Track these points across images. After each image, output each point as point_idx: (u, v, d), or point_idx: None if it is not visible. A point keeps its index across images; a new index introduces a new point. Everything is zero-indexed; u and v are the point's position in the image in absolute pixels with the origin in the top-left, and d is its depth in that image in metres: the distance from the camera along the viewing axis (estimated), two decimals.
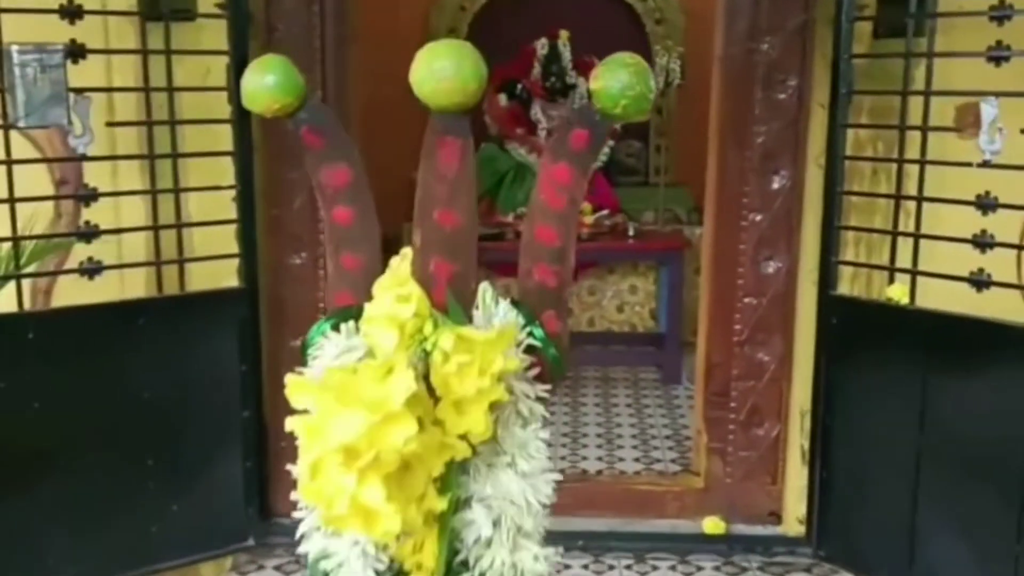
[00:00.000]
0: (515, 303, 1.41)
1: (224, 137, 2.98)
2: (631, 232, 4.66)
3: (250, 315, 3.04)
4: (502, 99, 5.63)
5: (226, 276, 3.03)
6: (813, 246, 3.10)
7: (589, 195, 5.63)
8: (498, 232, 4.62)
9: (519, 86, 5.57)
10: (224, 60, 2.92)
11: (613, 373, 4.76)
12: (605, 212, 5.35)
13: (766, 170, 3.12)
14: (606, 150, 5.55)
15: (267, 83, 1.39)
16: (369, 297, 1.33)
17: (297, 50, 3.04)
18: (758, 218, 3.15)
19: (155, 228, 2.89)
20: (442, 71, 1.30)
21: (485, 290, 1.40)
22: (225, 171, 3.00)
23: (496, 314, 1.39)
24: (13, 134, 2.65)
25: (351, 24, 3.32)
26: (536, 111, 5.54)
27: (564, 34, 5.58)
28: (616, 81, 1.38)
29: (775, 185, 3.14)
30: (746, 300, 3.18)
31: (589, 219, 5.25)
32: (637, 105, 1.37)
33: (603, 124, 1.41)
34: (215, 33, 2.96)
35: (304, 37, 3.08)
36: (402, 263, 1.38)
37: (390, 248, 1.45)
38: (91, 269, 2.78)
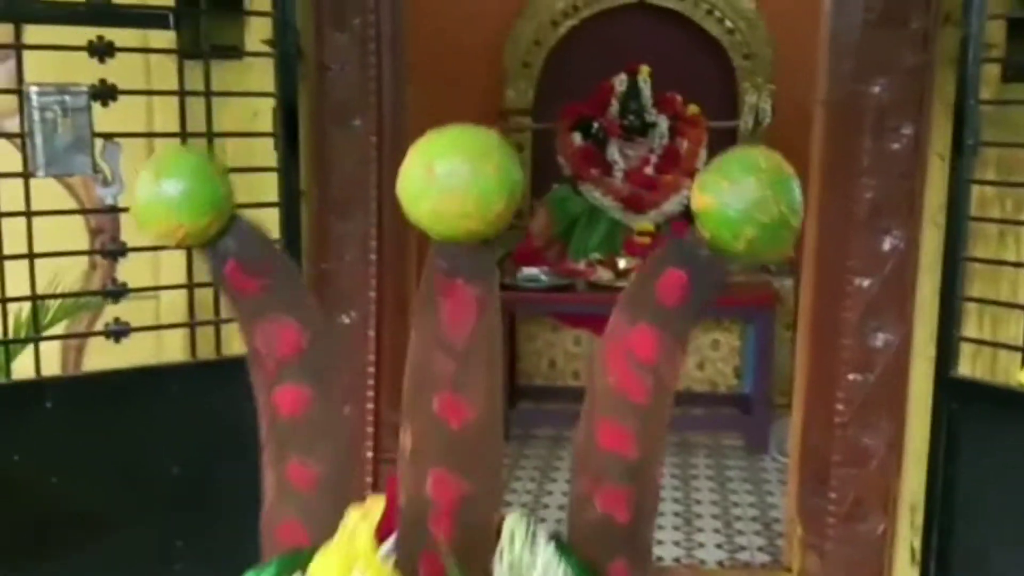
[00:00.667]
0: (562, 547, 0.89)
1: (270, 185, 2.72)
2: None
3: None
4: (576, 138, 5.31)
5: None
6: (929, 318, 2.70)
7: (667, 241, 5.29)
8: (568, 283, 4.28)
9: (595, 125, 5.25)
10: (271, 103, 2.66)
11: (692, 438, 4.38)
12: None
13: (875, 229, 2.74)
14: (688, 192, 5.19)
15: (167, 194, 0.91)
16: (327, 533, 0.86)
17: (351, 92, 2.78)
18: (865, 283, 2.77)
19: (190, 286, 2.63)
20: (450, 179, 0.87)
21: (515, 525, 0.89)
22: (269, 222, 2.74)
23: (532, 565, 0.86)
24: (49, 180, 2.43)
25: (408, 62, 3.03)
26: (612, 151, 5.21)
27: (644, 69, 5.25)
28: (738, 198, 0.88)
29: (885, 246, 2.75)
30: (850, 377, 2.79)
31: None
32: (773, 238, 0.88)
33: (713, 266, 0.92)
34: (264, 73, 2.72)
35: (359, 77, 2.80)
36: (360, 524, 0.85)
37: None
38: (117, 331, 2.53)
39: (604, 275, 4.82)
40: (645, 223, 5.10)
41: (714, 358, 4.87)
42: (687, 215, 5.38)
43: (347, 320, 2.93)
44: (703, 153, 5.24)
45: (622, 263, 4.90)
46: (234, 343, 2.74)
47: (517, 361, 4.92)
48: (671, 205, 5.14)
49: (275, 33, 2.62)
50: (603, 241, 5.12)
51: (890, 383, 2.79)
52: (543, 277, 4.38)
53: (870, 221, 2.74)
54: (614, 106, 5.25)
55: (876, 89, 2.69)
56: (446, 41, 6.58)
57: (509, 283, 4.26)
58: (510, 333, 4.60)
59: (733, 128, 5.89)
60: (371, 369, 2.89)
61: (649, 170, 5.18)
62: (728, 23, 6.04)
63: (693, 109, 5.29)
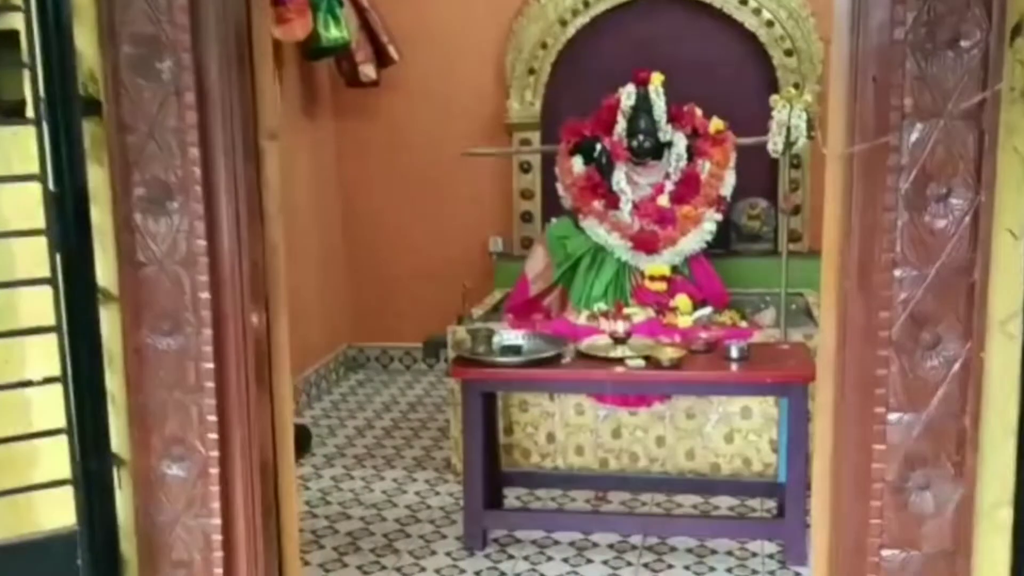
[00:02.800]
0: None
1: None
2: (734, 353, 3.40)
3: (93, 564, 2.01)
4: (576, 163, 4.46)
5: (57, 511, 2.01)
6: (1001, 466, 1.84)
7: (687, 285, 4.42)
8: (554, 355, 3.45)
9: (598, 147, 4.39)
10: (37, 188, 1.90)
11: (714, 543, 3.52)
12: (707, 311, 4.10)
13: (915, 343, 1.86)
14: (712, 224, 4.30)
15: None
16: None
17: (165, 168, 2.00)
18: (905, 418, 1.89)
19: None
20: None
21: None
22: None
23: None
24: None
25: (270, 119, 2.24)
26: (619, 178, 4.34)
27: (657, 78, 4.36)
28: None
29: (931, 363, 1.87)
30: (885, 554, 1.92)
31: (688, 319, 4.02)
32: None
33: None
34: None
35: (176, 147, 2.01)
36: None
37: None
38: None
39: (607, 327, 3.97)
40: (658, 265, 4.23)
41: (745, 428, 3.99)
42: (708, 253, 4.57)
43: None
44: (730, 178, 4.35)
45: (627, 316, 4.04)
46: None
47: (505, 435, 4.11)
48: (690, 242, 4.25)
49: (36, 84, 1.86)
50: (609, 287, 4.27)
51: (942, 564, 1.91)
52: (523, 343, 3.56)
53: (908, 331, 1.86)
54: (620, 124, 4.38)
55: (914, 137, 1.80)
56: (443, 48, 5.83)
57: (483, 355, 3.45)
58: (492, 403, 3.79)
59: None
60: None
61: (663, 200, 4.30)
62: (766, 14, 5.12)
63: (717, 124, 4.39)
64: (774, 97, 3.84)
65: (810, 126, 3.80)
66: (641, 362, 3.39)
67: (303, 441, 4.54)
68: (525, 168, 5.43)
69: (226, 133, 2.05)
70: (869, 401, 1.91)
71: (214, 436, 2.09)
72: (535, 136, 5.37)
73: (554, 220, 4.57)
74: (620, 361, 3.43)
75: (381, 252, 5.75)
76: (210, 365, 2.07)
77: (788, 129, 3.77)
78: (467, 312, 4.20)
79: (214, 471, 2.10)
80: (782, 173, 5.21)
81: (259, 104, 2.22)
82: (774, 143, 3.80)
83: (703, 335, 3.73)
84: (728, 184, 4.33)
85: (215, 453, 2.10)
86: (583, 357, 3.52)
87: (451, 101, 5.57)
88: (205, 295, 2.05)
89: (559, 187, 4.52)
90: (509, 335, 3.68)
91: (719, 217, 4.31)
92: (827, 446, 2.12)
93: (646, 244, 4.20)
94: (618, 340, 3.55)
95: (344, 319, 5.81)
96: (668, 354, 3.40)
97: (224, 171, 2.06)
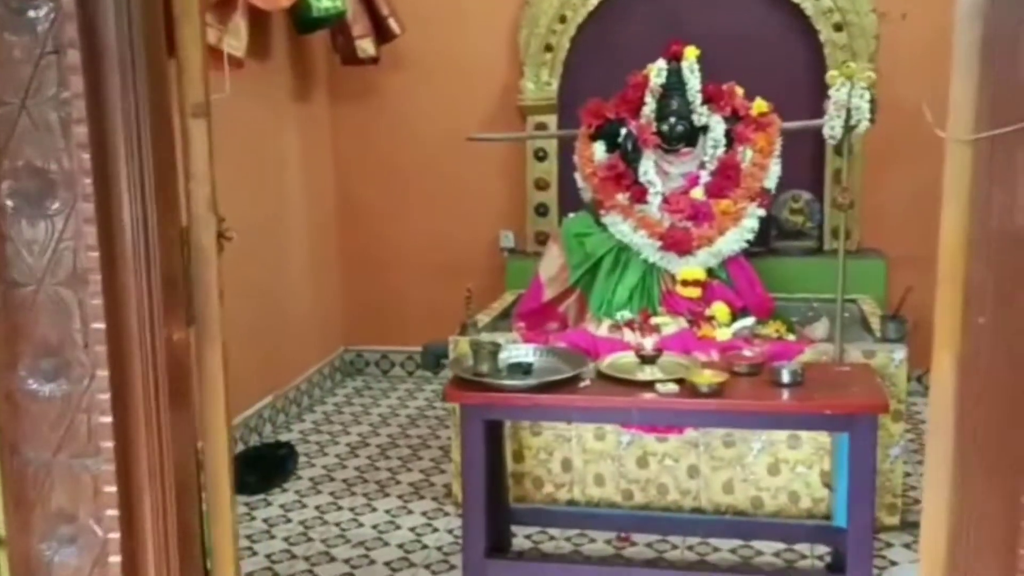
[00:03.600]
0: None
1: None
2: (786, 377, 2.85)
3: None
4: (598, 150, 3.90)
5: None
6: None
7: (724, 291, 3.86)
8: (570, 376, 2.91)
9: (623, 131, 3.83)
10: None
11: None
12: (749, 321, 3.54)
13: None
14: (754, 221, 3.74)
15: None
16: None
17: (44, 154, 1.48)
18: None
19: None
20: None
21: None
22: None
23: None
24: None
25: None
26: (647, 168, 3.78)
27: (691, 53, 3.79)
28: None
29: None
30: None
31: (726, 332, 3.47)
32: None
33: None
34: None
35: (58, 125, 1.48)
36: None
37: None
38: None
39: (633, 340, 3.43)
40: (691, 268, 3.67)
41: (792, 459, 3.44)
42: (747, 253, 4.02)
43: None
44: (775, 167, 3.78)
45: (655, 327, 3.50)
46: None
47: (515, 462, 3.58)
48: (728, 242, 3.68)
49: None
50: (634, 293, 3.71)
51: None
52: (534, 359, 3.02)
53: None
54: (649, 105, 3.82)
55: None
56: (449, 21, 5.26)
57: (486, 376, 2.91)
58: (498, 428, 3.26)
59: (819, 131, 4.46)
60: None
61: (698, 193, 3.74)
62: None
63: (760, 105, 3.82)
64: (832, 73, 3.27)
65: (873, 107, 3.23)
66: (674, 387, 2.85)
67: (287, 462, 4.02)
68: (540, 156, 4.88)
69: (127, 106, 1.52)
70: (1012, 471, 1.37)
71: (113, 512, 1.57)
72: (552, 120, 4.83)
73: (571, 215, 4.01)
74: (649, 385, 2.88)
75: (381, 247, 5.22)
76: (107, 419, 1.54)
77: (848, 111, 3.21)
78: (471, 319, 3.66)
79: (114, 559, 1.58)
80: (829, 162, 4.67)
81: (183, 70, 1.69)
82: (831, 127, 3.23)
83: (745, 351, 3.17)
84: (773, 175, 3.76)
85: (115, 535, 1.57)
86: (605, 379, 2.98)
87: (459, 81, 5.02)
88: (99, 325, 1.52)
89: (578, 177, 3.97)
90: (517, 350, 3.15)
91: (762, 213, 3.74)
92: (941, 515, 1.57)
93: (678, 244, 3.64)
94: (646, 360, 3.01)
95: (340, 320, 5.29)
96: (706, 378, 2.85)
97: (125, 158, 1.53)
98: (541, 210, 4.92)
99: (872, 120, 3.23)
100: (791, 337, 3.53)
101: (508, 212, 5.03)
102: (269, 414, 4.48)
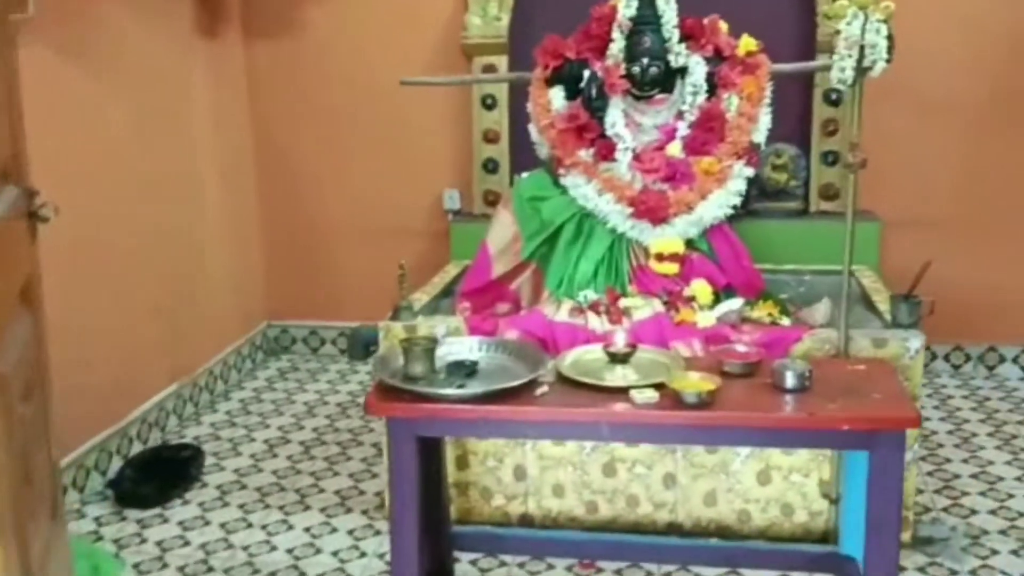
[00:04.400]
0: None
1: None
2: (790, 382, 2.29)
3: None
4: (556, 97, 3.28)
5: None
6: None
7: (706, 265, 3.29)
8: (524, 382, 2.32)
9: (586, 74, 3.21)
10: None
11: None
12: (736, 304, 2.98)
13: None
14: (741, 183, 3.16)
15: None
16: None
17: None
18: None
19: None
20: None
21: None
22: None
23: None
24: None
25: None
26: (615, 120, 3.17)
27: None
28: None
29: None
30: None
31: (710, 317, 2.91)
32: None
33: None
34: None
35: None
36: None
37: None
38: None
39: (598, 326, 2.87)
40: (668, 239, 3.09)
41: (786, 466, 2.91)
42: (728, 218, 3.32)
43: None
44: (764, 118, 3.19)
45: (625, 310, 2.93)
46: None
47: (459, 469, 3.01)
48: (712, 208, 3.10)
49: None
50: (600, 269, 3.13)
51: None
52: (480, 356, 2.44)
53: None
54: (617, 42, 3.20)
55: None
56: None
57: (419, 380, 2.32)
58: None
59: (807, 75, 3.93)
60: None
61: (675, 149, 3.14)
62: None
63: (748, 44, 3.22)
64: (840, 3, 2.68)
65: (891, 44, 2.65)
66: (653, 395, 2.27)
67: (191, 467, 3.41)
68: (489, 103, 4.25)
69: None
70: None
71: None
72: (502, 62, 4.19)
73: (525, 174, 3.40)
74: (623, 392, 2.31)
75: (308, 207, 4.57)
76: None
77: (861, 49, 2.62)
78: (406, 300, 3.06)
79: None
80: (817, 111, 4.09)
81: None
82: (840, 69, 2.64)
83: (736, 345, 2.61)
84: (763, 127, 3.18)
85: None
86: (567, 383, 2.39)
87: (394, 14, 4.36)
88: None
89: (532, 130, 3.35)
90: (459, 344, 2.56)
91: (751, 172, 3.16)
92: None
93: (652, 210, 3.05)
94: (617, 358, 2.43)
95: (262, 291, 4.65)
96: (693, 384, 2.27)
97: None
98: (490, 166, 4.30)
99: (889, 60, 2.65)
100: (785, 321, 2.97)
101: (453, 168, 4.41)
102: (174, 405, 3.85)
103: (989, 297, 4.19)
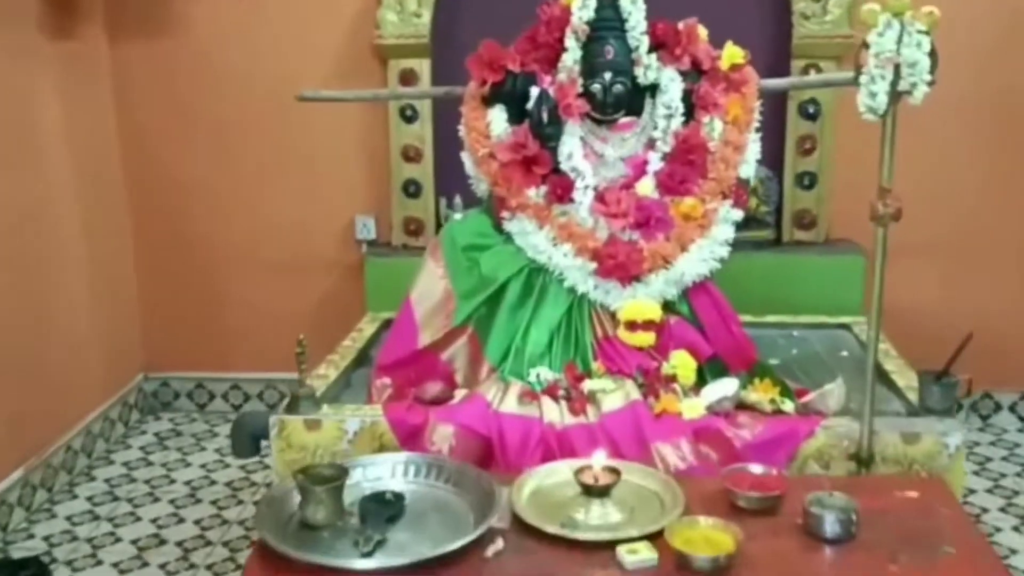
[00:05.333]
0: None
1: None
2: (829, 529, 1.67)
3: None
4: (497, 120, 2.61)
5: None
6: None
7: (687, 332, 2.64)
8: (470, 541, 1.67)
9: (533, 93, 2.54)
10: None
11: None
12: (730, 388, 2.35)
13: None
14: (728, 229, 2.54)
15: None
16: None
17: None
18: None
19: None
20: None
21: None
22: None
23: None
24: None
25: None
26: (571, 149, 2.51)
27: None
28: None
29: None
30: None
31: (697, 407, 2.29)
32: None
33: None
34: None
35: None
36: None
37: None
38: None
39: (555, 418, 2.23)
40: (641, 302, 2.45)
41: None
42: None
43: None
44: (753, 146, 2.58)
45: (591, 395, 2.30)
46: None
47: None
48: (694, 262, 2.47)
49: None
50: (556, 339, 2.47)
51: None
52: (407, 488, 1.78)
53: None
54: (572, 52, 2.54)
55: None
56: None
57: (318, 536, 1.66)
58: None
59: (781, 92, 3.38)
60: None
61: (647, 187, 2.50)
62: None
63: (733, 54, 2.59)
64: (868, 7, 2.07)
65: (934, 62, 2.06)
66: (650, 557, 1.64)
67: None
68: (408, 115, 3.56)
69: None
70: None
71: None
72: (423, 66, 3.51)
73: (458, 215, 2.74)
74: (607, 548, 1.67)
75: (192, 238, 3.81)
76: None
77: (897, 68, 2.02)
78: (305, 384, 2.37)
79: None
80: (791, 127, 3.50)
81: None
82: (870, 94, 2.04)
83: (750, 465, 1.99)
84: (751, 157, 2.57)
85: None
86: (527, 533, 1.75)
87: (292, 9, 3.63)
88: None
89: (466, 161, 2.68)
90: (378, 466, 1.90)
91: (739, 216, 2.54)
92: None
93: (621, 266, 2.41)
94: (593, 491, 1.79)
95: (137, 339, 3.88)
96: (706, 540, 1.65)
97: None
98: (411, 189, 3.61)
99: (932, 82, 2.06)
100: (788, 406, 2.36)
101: (366, 190, 3.71)
102: (20, 495, 3.09)
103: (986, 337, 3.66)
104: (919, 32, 2.03)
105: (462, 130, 2.65)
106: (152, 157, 3.74)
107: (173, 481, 3.38)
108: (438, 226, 3.46)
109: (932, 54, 2.04)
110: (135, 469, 3.48)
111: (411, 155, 3.60)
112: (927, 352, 2.47)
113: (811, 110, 3.50)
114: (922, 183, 3.33)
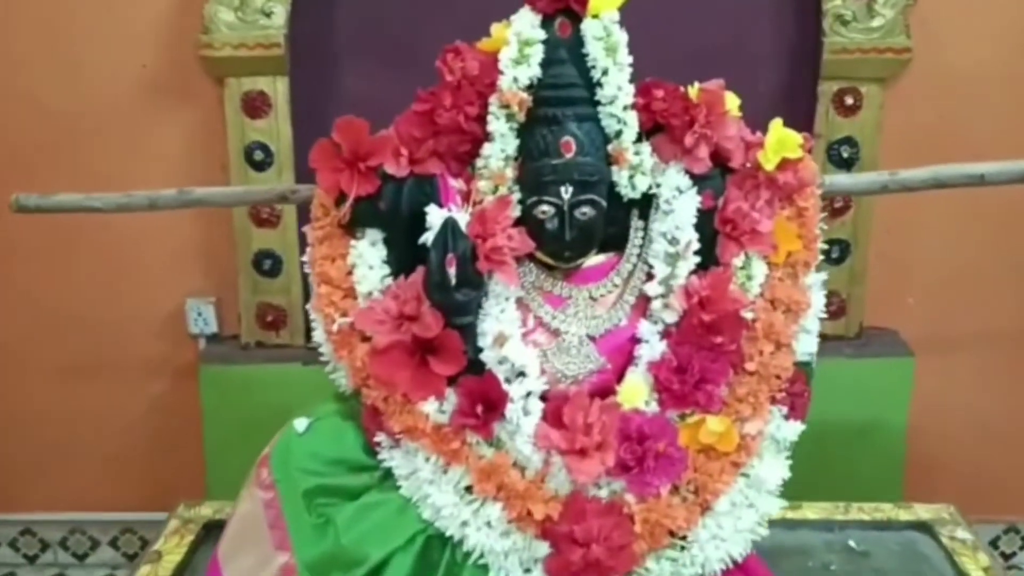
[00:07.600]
0: None
1: None
2: None
3: None
4: (366, 262, 1.45)
5: None
6: None
7: None
8: None
9: (434, 216, 1.39)
10: None
11: None
12: None
13: None
14: (782, 465, 1.45)
15: None
16: None
17: None
18: None
19: None
20: None
21: None
22: None
23: None
24: None
25: None
26: (499, 325, 1.38)
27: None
28: None
29: None
30: None
31: None
32: None
33: None
34: None
35: None
36: None
37: None
38: None
39: None
40: None
41: None
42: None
43: None
44: (817, 296, 1.49)
45: None
46: None
47: None
48: (722, 537, 1.39)
49: None
50: None
51: None
52: None
53: None
54: (500, 140, 1.40)
55: None
56: None
57: None
58: None
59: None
60: None
61: (636, 390, 1.40)
62: None
63: (785, 140, 1.47)
64: None
65: None
66: None
67: None
68: (258, 159, 2.41)
69: None
70: None
71: None
72: (279, 88, 2.36)
73: (301, 421, 1.52)
74: None
75: None
76: None
77: None
78: None
79: None
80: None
81: None
82: None
83: None
84: (812, 320, 1.48)
85: None
86: None
87: (78, 5, 2.41)
88: None
89: (318, 336, 1.53)
90: None
91: (795, 433, 1.45)
92: None
93: (592, 561, 1.31)
94: None
95: None
96: None
97: None
98: (265, 265, 2.48)
99: None
100: None
101: (202, 265, 2.56)
102: None
103: None
104: None
105: (312, 278, 1.51)
106: None
107: None
108: (307, 318, 2.31)
109: None
110: None
111: (264, 217, 2.45)
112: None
113: (845, 154, 2.44)
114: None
